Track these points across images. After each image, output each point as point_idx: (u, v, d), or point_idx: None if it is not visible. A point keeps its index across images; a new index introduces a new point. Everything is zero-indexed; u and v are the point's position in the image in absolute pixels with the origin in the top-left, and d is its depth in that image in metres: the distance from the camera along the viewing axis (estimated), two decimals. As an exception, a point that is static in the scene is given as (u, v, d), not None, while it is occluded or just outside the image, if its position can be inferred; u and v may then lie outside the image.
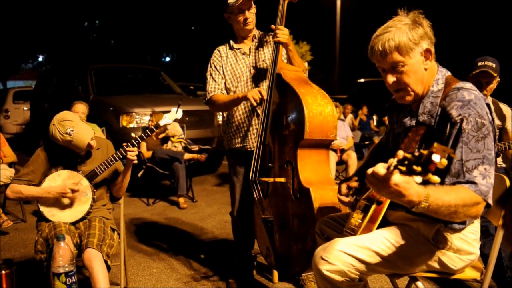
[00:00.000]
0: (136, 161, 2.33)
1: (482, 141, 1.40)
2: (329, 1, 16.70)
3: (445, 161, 1.01)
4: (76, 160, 2.36)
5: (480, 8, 15.81)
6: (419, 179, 1.08)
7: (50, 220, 2.25)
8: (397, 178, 1.18)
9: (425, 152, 1.04)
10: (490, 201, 1.40)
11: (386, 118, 5.16)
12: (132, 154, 2.29)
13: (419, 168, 1.05)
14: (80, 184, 2.28)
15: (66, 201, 2.27)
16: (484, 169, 1.38)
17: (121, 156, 2.32)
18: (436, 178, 1.05)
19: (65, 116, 2.26)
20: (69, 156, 2.34)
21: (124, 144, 2.31)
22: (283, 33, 2.30)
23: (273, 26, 2.34)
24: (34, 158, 2.33)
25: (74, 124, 2.22)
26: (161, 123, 2.43)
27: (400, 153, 1.14)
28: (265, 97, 2.23)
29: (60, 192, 2.22)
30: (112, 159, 2.32)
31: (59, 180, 2.28)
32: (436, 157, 1.01)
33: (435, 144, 1.03)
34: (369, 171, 1.24)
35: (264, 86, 2.46)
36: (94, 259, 2.04)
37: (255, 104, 2.21)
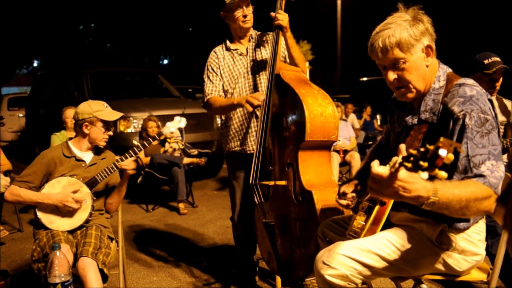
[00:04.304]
0: (133, 172, 2.31)
1: (487, 137, 1.39)
2: (329, -1, 16.66)
3: (451, 156, 1.00)
4: (80, 166, 2.32)
5: (480, 5, 15.85)
6: (425, 175, 1.06)
7: (48, 228, 2.21)
8: (402, 174, 1.16)
9: (431, 147, 1.02)
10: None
11: None
12: (127, 167, 2.26)
13: (425, 164, 1.04)
14: (80, 191, 2.24)
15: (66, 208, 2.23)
16: (491, 164, 1.36)
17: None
18: (443, 173, 1.04)
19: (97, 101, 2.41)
20: (73, 161, 2.32)
21: (125, 154, 2.30)
22: (283, 16, 2.27)
23: (272, 14, 2.30)
24: (38, 159, 2.30)
25: (107, 105, 2.37)
26: (164, 131, 2.42)
27: (403, 147, 1.13)
28: (260, 103, 2.19)
29: (61, 200, 2.18)
30: (114, 166, 2.29)
31: (58, 186, 2.24)
32: (443, 152, 1.00)
33: (442, 139, 1.01)
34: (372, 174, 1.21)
35: (263, 86, 2.43)
36: (88, 267, 2.00)
37: (250, 109, 2.18)
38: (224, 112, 2.53)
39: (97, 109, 2.30)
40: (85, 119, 2.30)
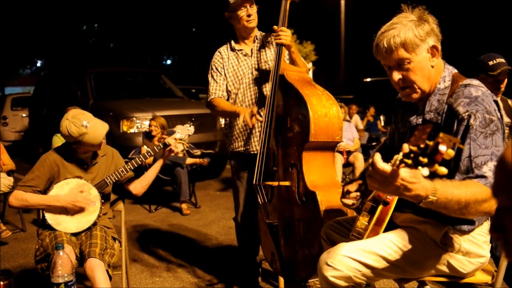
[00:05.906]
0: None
1: (491, 138, 1.38)
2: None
3: (451, 152, 1.00)
4: (82, 167, 2.32)
5: (485, 6, 15.78)
6: (426, 171, 1.06)
7: (54, 229, 2.20)
8: (403, 172, 1.16)
9: (431, 142, 1.02)
10: None
11: None
12: (175, 147, 2.38)
13: (425, 160, 1.04)
14: (89, 193, 2.25)
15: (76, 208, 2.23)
16: (493, 165, 1.35)
17: (132, 168, 2.33)
18: (443, 169, 1.04)
19: (78, 112, 2.29)
20: (75, 162, 2.31)
21: (157, 144, 2.37)
22: (286, 35, 2.26)
23: (275, 27, 2.30)
24: (40, 163, 2.28)
25: (90, 118, 2.23)
26: (175, 136, 2.46)
27: (406, 147, 1.13)
28: (261, 119, 2.23)
29: (71, 202, 2.17)
30: (124, 170, 2.30)
31: (67, 188, 2.24)
32: (442, 147, 0.99)
33: (441, 134, 1.01)
34: (371, 169, 1.21)
35: (267, 88, 2.43)
36: (97, 268, 2.00)
37: (250, 126, 2.23)
38: (225, 117, 2.57)
39: (78, 133, 2.16)
40: (72, 142, 2.24)
